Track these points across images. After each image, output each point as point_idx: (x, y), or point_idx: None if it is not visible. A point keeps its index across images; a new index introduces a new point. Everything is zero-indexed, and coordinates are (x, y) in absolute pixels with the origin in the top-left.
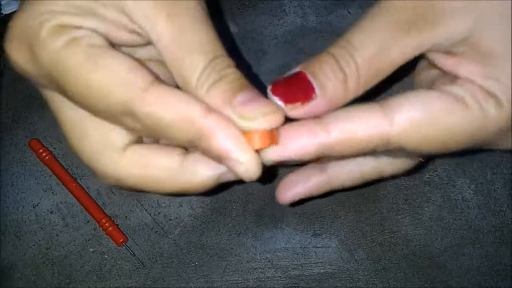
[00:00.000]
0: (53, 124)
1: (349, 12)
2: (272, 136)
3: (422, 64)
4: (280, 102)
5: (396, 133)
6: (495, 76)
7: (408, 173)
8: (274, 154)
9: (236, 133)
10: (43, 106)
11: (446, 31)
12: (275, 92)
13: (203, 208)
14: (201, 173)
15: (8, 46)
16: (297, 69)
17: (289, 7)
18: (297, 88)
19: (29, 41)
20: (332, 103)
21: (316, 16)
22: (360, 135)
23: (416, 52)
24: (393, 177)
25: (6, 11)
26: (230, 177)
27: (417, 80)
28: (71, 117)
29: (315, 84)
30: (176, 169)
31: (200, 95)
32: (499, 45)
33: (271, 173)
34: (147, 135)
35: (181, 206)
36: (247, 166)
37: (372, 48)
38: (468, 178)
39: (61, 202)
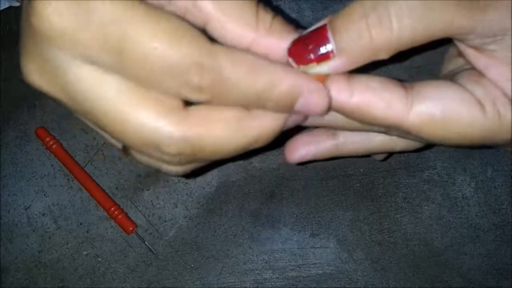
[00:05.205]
0: (44, 124)
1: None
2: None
3: (451, 52)
4: (294, 64)
5: (410, 123)
6: None
7: (419, 150)
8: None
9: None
10: (34, 106)
11: (493, 17)
12: (290, 54)
13: (198, 209)
14: (269, 115)
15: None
16: (323, 22)
17: (284, 2)
18: (314, 47)
19: None
20: (352, 65)
21: (312, 12)
22: (377, 111)
23: (457, 33)
24: (404, 152)
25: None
26: (296, 119)
27: (446, 66)
28: (118, 90)
29: (333, 44)
30: (245, 117)
31: (263, 30)
32: None
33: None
34: (210, 94)
35: (176, 207)
36: (320, 95)
37: (416, 10)
38: (468, 175)
39: (53, 204)
